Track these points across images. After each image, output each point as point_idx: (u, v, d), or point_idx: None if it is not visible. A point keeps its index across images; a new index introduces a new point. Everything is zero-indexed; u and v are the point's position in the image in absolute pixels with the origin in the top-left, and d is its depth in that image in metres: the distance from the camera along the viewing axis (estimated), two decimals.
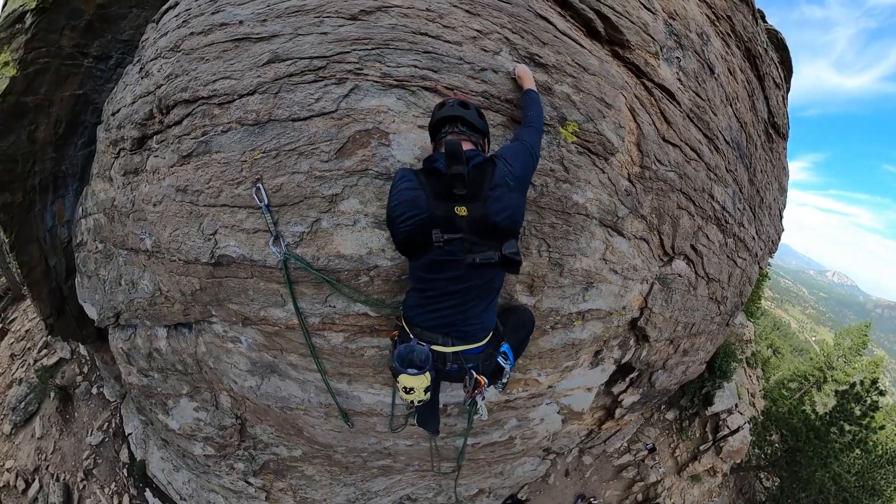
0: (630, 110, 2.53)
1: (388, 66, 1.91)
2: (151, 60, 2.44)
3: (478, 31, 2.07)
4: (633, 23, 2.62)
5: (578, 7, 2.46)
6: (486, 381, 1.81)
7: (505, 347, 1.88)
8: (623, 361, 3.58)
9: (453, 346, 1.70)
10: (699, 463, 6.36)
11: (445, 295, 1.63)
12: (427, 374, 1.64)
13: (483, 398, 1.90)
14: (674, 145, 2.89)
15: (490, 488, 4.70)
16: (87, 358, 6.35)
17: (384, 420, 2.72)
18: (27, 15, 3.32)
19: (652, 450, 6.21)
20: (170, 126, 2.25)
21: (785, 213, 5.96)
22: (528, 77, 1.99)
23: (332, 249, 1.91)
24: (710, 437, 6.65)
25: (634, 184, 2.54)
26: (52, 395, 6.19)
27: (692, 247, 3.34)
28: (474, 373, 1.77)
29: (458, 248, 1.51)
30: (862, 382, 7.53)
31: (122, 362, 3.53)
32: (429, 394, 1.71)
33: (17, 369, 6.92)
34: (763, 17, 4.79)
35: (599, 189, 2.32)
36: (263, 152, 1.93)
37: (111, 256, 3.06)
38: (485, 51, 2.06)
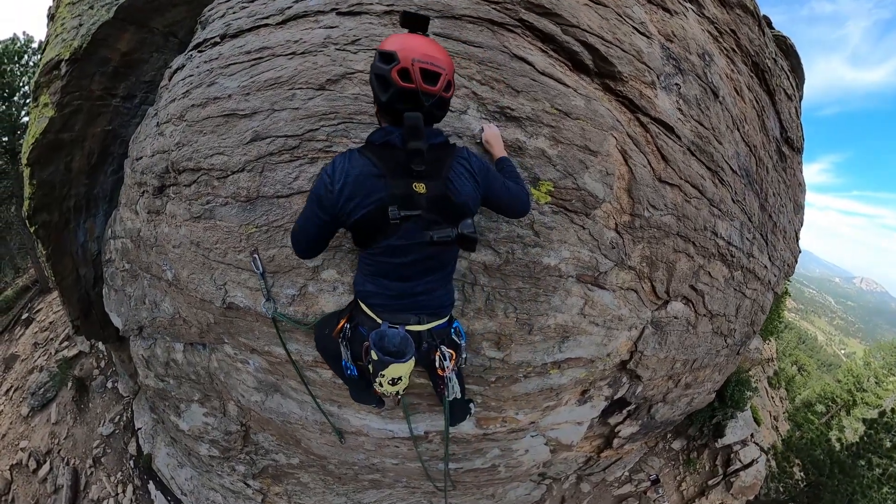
0: (621, 153, 2.55)
1: (354, 143, 2.14)
2: (165, 123, 2.84)
3: None
4: (626, 51, 2.58)
5: (562, 40, 2.43)
6: (455, 353, 1.86)
7: (456, 323, 1.94)
8: (616, 397, 3.82)
9: (428, 323, 1.75)
10: (706, 499, 6.47)
11: (411, 277, 1.67)
12: (413, 358, 1.63)
13: (455, 373, 1.95)
14: (672, 185, 2.88)
15: None
16: (105, 354, 7.11)
17: (371, 440, 3.12)
18: (62, 64, 4.01)
19: (655, 481, 6.38)
20: (182, 185, 2.63)
21: (805, 218, 5.90)
22: (497, 141, 2.05)
23: (318, 308, 2.34)
24: (721, 470, 6.75)
25: (622, 234, 2.60)
26: (70, 384, 6.99)
27: (692, 287, 3.44)
28: (444, 347, 1.83)
29: (416, 225, 1.52)
30: (893, 410, 7.41)
31: (140, 366, 4.09)
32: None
33: (38, 357, 7.79)
34: (770, 24, 4.73)
35: (578, 246, 2.43)
36: (256, 227, 2.31)
37: (137, 276, 3.56)
38: (450, 111, 2.12)
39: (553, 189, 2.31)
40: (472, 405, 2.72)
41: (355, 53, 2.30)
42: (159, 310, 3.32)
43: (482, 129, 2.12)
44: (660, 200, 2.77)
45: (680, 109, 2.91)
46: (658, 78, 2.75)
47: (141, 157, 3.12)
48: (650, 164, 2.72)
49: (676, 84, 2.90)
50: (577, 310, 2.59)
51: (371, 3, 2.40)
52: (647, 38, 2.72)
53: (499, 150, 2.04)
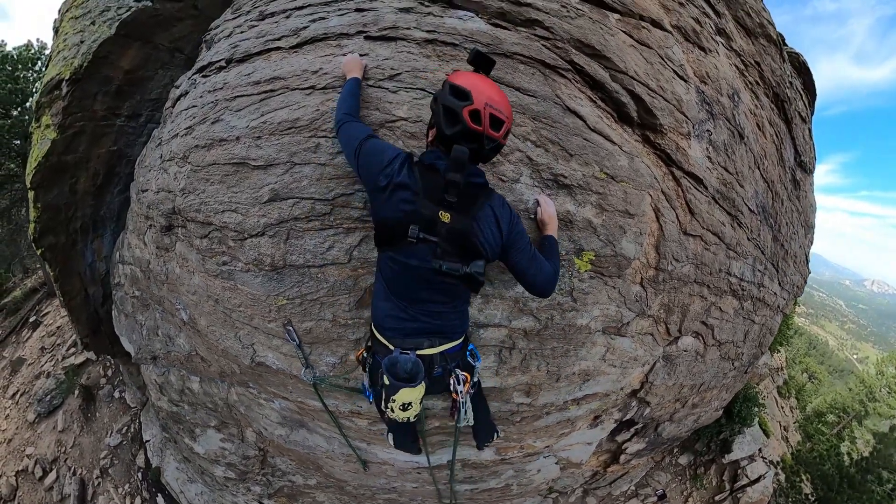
0: (655, 211, 2.56)
1: None
2: (168, 160, 2.60)
3: None
4: (668, 101, 2.57)
5: (611, 89, 2.35)
6: (469, 377, 1.91)
7: (471, 346, 1.99)
8: (625, 419, 3.99)
9: (439, 346, 1.80)
10: None
11: (421, 300, 1.73)
12: (423, 384, 1.69)
13: (468, 398, 1.98)
14: (694, 236, 2.93)
15: None
16: (112, 363, 7.22)
17: (395, 468, 3.28)
18: (63, 84, 3.93)
19: (662, 497, 6.53)
20: (193, 235, 2.39)
21: (813, 221, 6.00)
22: (553, 222, 2.02)
23: (360, 374, 2.25)
24: (728, 486, 6.87)
25: (646, 288, 2.64)
26: (77, 392, 7.10)
27: (702, 322, 3.58)
28: (459, 370, 1.87)
29: (430, 250, 1.58)
30: None
31: (153, 390, 4.19)
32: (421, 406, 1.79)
33: (45, 362, 7.91)
34: (783, 41, 4.77)
35: (607, 304, 2.47)
36: (288, 299, 2.11)
37: (148, 306, 3.55)
38: (502, 180, 2.02)
39: (594, 258, 2.29)
40: (497, 431, 2.75)
41: (395, 93, 1.98)
42: (174, 344, 3.31)
43: (537, 204, 2.07)
44: (682, 253, 2.78)
45: (709, 157, 2.93)
46: (693, 127, 2.75)
47: (146, 190, 2.98)
48: (678, 219, 2.72)
49: (708, 131, 2.92)
50: (600, 357, 2.70)
51: (408, 28, 2.14)
52: (686, 82, 2.72)
53: (551, 231, 2.03)
